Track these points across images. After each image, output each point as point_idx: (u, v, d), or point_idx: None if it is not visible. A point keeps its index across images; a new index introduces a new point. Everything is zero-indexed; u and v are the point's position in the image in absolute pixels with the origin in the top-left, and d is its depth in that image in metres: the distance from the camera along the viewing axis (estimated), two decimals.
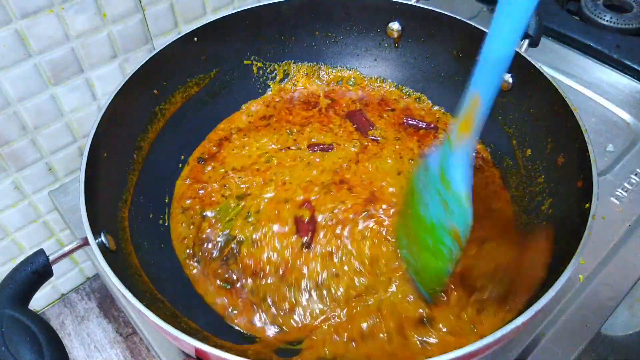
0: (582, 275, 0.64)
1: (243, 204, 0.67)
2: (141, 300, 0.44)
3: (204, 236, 0.64)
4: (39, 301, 0.96)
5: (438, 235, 0.50)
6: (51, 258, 0.49)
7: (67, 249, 0.50)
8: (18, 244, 0.85)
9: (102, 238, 0.51)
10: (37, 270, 0.48)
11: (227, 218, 0.66)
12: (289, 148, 0.74)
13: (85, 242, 0.50)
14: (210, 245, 0.63)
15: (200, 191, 0.69)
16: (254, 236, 0.63)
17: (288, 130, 0.77)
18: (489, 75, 0.44)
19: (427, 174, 0.52)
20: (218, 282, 0.60)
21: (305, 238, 0.61)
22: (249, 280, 0.60)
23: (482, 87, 0.45)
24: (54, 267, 0.49)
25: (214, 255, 0.63)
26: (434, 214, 0.50)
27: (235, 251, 0.63)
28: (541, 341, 0.58)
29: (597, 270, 0.64)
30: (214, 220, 0.66)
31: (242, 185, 0.69)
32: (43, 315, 0.97)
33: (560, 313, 0.60)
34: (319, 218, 0.63)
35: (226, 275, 0.61)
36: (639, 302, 0.69)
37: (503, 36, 0.42)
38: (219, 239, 0.64)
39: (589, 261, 0.65)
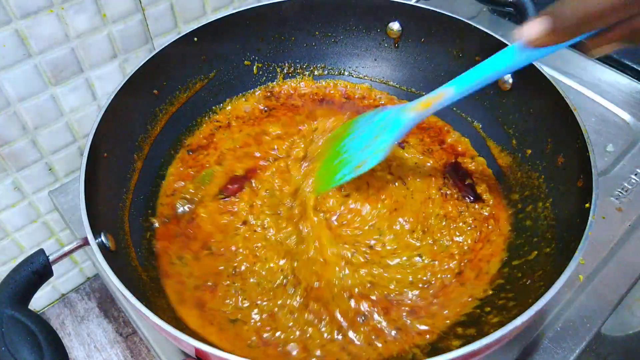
0: (582, 275, 0.64)
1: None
2: (141, 300, 0.44)
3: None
4: (39, 301, 0.96)
5: (345, 161, 0.62)
6: (51, 258, 0.49)
7: (67, 249, 0.50)
8: (18, 244, 0.85)
9: (102, 238, 0.51)
10: (37, 270, 0.48)
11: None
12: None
13: (85, 242, 0.50)
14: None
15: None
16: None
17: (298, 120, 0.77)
18: (472, 85, 0.53)
19: (373, 120, 0.62)
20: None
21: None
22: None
23: (458, 88, 0.54)
24: (54, 267, 0.49)
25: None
26: (353, 148, 0.62)
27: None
28: (541, 341, 0.58)
29: (597, 270, 0.64)
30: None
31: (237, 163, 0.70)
32: (43, 315, 0.97)
33: (560, 313, 0.60)
34: None
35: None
36: (638, 302, 0.69)
37: (511, 66, 0.50)
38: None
39: (589, 261, 0.65)
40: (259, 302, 0.57)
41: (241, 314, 0.56)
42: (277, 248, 0.61)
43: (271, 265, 0.59)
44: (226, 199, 0.66)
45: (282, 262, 0.60)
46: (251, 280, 0.58)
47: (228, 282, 0.59)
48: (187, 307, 0.56)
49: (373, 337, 0.54)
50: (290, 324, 0.55)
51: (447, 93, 0.55)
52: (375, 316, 0.55)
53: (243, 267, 0.60)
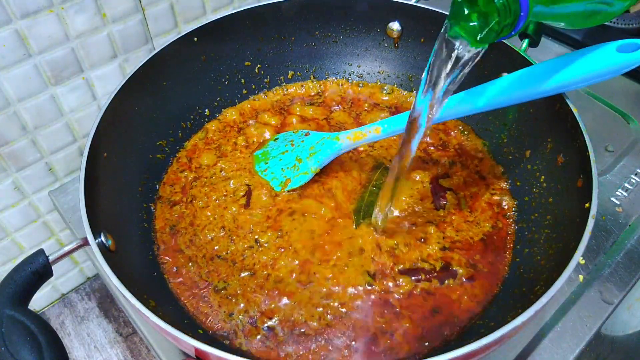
0: (582, 275, 0.64)
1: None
2: (141, 300, 0.44)
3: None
4: (39, 301, 0.96)
5: (271, 175, 0.68)
6: (51, 258, 0.49)
7: (67, 249, 0.50)
8: (18, 244, 0.85)
9: (102, 238, 0.51)
10: (37, 270, 0.48)
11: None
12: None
13: (85, 242, 0.50)
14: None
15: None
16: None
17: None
18: (399, 129, 0.58)
19: (304, 141, 0.69)
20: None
21: None
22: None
23: (388, 129, 0.61)
24: (54, 267, 0.49)
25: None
26: (281, 164, 0.68)
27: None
28: (541, 341, 0.58)
29: (597, 270, 0.64)
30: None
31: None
32: (43, 315, 0.97)
33: (560, 313, 0.61)
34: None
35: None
36: (638, 302, 0.69)
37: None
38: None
39: (589, 261, 0.65)
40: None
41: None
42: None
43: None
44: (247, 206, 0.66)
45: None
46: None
47: (268, 297, 0.58)
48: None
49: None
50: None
51: (380, 129, 0.61)
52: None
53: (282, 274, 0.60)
